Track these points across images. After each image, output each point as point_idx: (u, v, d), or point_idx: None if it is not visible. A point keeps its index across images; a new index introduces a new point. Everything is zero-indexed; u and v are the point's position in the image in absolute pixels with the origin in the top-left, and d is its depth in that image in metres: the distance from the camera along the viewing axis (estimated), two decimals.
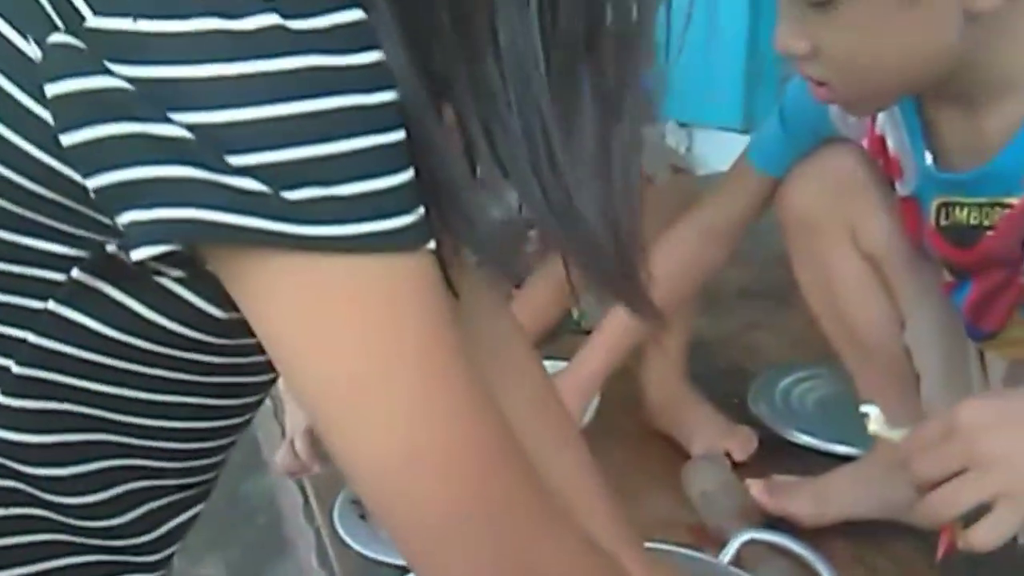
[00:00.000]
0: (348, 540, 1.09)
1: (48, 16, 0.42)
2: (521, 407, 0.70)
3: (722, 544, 0.96)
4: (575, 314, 1.52)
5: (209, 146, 0.41)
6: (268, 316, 0.45)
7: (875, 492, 1.05)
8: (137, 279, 0.48)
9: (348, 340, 0.44)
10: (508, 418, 0.53)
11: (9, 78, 0.44)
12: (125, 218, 0.43)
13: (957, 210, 0.91)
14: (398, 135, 0.44)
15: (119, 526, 0.57)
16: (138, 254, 0.43)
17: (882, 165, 0.98)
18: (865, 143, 0.98)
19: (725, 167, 1.14)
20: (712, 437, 1.26)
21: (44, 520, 0.54)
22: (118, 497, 0.56)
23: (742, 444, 1.25)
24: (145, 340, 0.50)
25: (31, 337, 0.49)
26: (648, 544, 0.86)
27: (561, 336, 1.46)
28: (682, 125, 2.88)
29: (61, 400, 0.51)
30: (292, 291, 0.44)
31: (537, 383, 0.75)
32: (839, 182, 0.99)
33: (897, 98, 0.90)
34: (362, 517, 1.11)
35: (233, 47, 0.40)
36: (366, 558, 1.06)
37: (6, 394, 0.50)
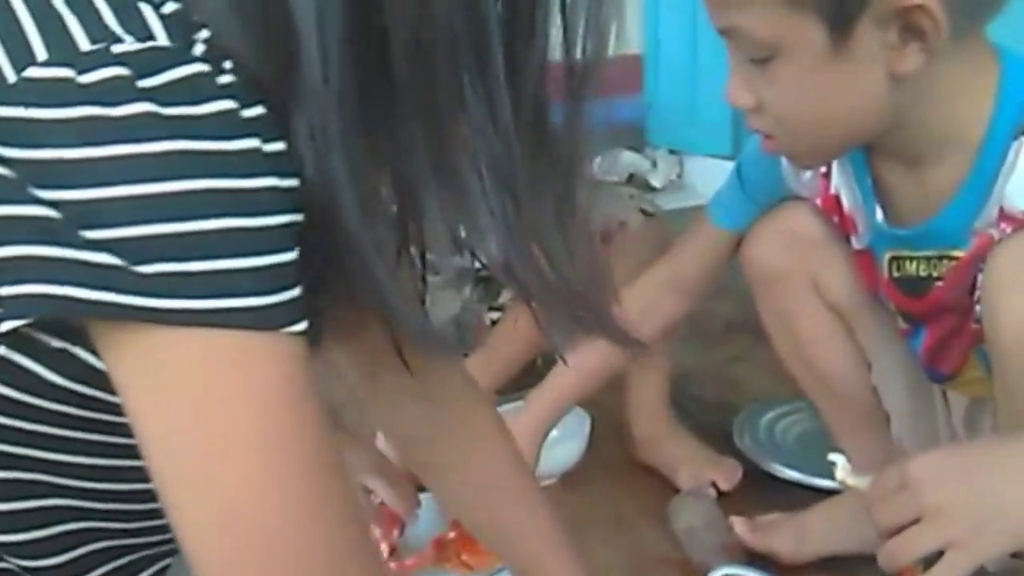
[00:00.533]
0: None
1: None
2: (483, 464, 0.77)
3: None
4: (539, 362, 1.56)
5: (71, 223, 0.44)
6: (119, 381, 0.47)
7: (851, 529, 1.07)
8: (43, 348, 0.50)
9: (184, 409, 0.46)
10: (473, 476, 0.56)
11: None
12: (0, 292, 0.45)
13: (907, 263, 0.95)
14: (271, 219, 0.46)
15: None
16: (5, 326, 0.45)
17: (837, 222, 1.01)
18: (819, 202, 1.02)
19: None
20: (697, 469, 1.29)
21: None
22: (82, 557, 0.58)
23: (727, 475, 1.28)
24: (66, 405, 0.52)
25: None
26: None
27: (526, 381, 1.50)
28: (672, 152, 2.92)
29: (11, 469, 0.54)
30: (139, 358, 0.46)
31: (497, 440, 0.79)
32: (798, 238, 1.03)
33: (838, 153, 0.94)
34: None
35: (104, 131, 0.44)
36: None
37: None
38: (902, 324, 1.02)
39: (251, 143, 0.46)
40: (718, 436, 1.37)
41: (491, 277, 1.42)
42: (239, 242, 0.45)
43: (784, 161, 1.01)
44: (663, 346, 1.30)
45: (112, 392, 0.49)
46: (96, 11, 0.46)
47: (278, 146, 0.47)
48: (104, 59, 0.44)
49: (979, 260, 0.89)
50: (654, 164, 2.90)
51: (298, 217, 0.47)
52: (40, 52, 0.45)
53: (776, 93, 0.86)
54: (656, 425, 1.34)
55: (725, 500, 1.24)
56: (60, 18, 0.45)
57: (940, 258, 0.92)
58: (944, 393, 1.06)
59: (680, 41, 2.66)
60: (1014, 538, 0.72)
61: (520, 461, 0.80)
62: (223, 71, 0.46)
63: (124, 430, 0.50)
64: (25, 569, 0.57)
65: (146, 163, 0.44)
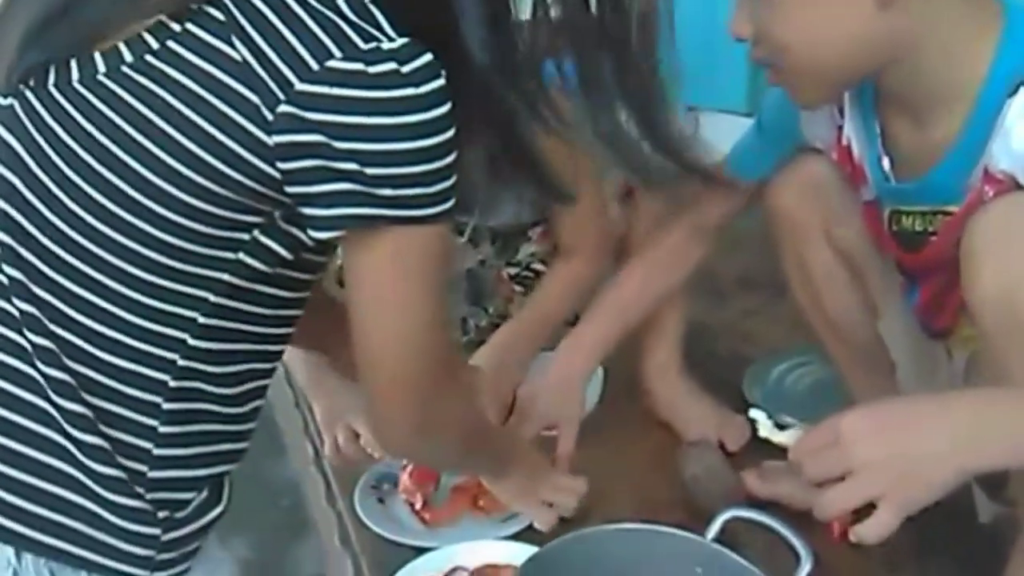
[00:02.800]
0: (368, 522, 1.16)
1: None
2: None
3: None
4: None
5: (361, 165, 0.68)
6: (352, 259, 0.74)
7: None
8: (284, 234, 0.74)
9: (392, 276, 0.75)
10: None
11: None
12: (307, 211, 0.71)
13: (904, 218, 0.97)
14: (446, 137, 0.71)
15: (246, 413, 0.80)
16: (324, 235, 0.71)
17: (849, 172, 1.04)
18: (834, 153, 1.04)
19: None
20: (707, 426, 1.31)
21: (213, 415, 0.77)
22: (251, 391, 0.80)
23: (735, 435, 1.30)
24: (284, 268, 0.76)
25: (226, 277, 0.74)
26: (638, 524, 0.95)
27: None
28: (689, 109, 2.92)
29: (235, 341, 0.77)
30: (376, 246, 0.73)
31: None
32: (813, 187, 1.07)
33: (837, 85, 0.96)
34: (380, 501, 1.20)
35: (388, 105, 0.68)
36: (384, 539, 1.14)
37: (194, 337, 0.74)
38: (900, 279, 1.05)
39: (447, 109, 0.69)
40: (730, 389, 1.39)
41: (510, 233, 1.45)
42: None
43: (801, 111, 1.03)
44: (677, 301, 1.33)
45: (314, 253, 0.76)
46: (347, 15, 0.68)
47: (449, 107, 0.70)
48: (379, 56, 0.67)
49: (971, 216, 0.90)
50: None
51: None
52: (335, 50, 0.66)
53: (772, 18, 0.90)
54: (669, 380, 1.37)
55: (735, 451, 1.27)
56: (336, 24, 0.67)
57: (935, 213, 0.94)
58: (947, 349, 1.08)
59: None
60: (936, 489, 0.75)
61: None
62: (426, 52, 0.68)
63: (298, 284, 0.79)
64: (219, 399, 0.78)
65: (406, 130, 0.68)
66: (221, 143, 0.68)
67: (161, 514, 0.75)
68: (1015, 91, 0.84)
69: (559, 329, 1.37)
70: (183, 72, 0.68)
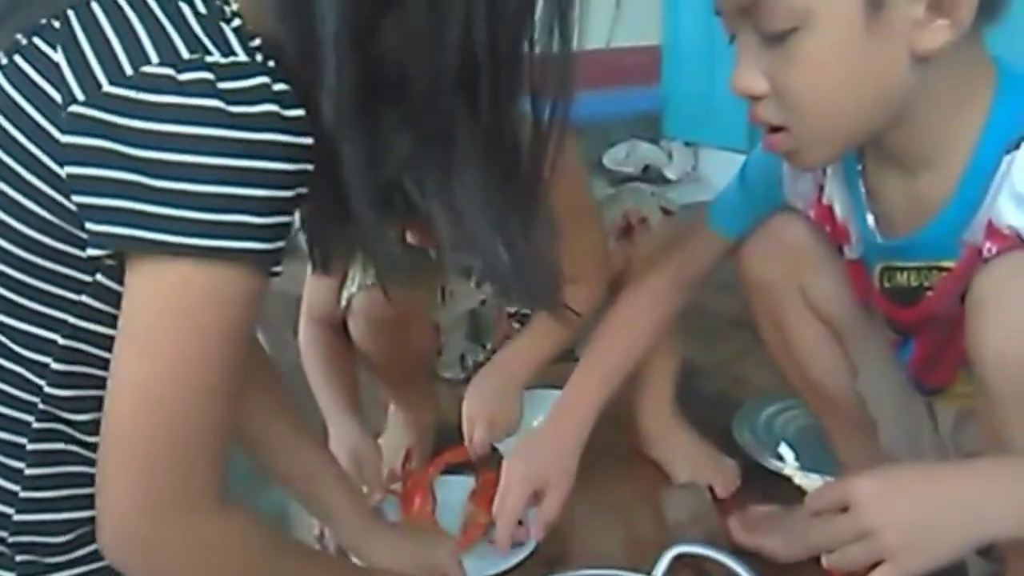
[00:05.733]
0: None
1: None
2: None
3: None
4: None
5: (145, 174, 0.61)
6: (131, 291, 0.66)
7: None
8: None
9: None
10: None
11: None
12: (89, 226, 0.64)
13: (898, 274, 0.96)
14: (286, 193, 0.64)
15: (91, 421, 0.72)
16: (94, 252, 0.65)
17: (829, 232, 1.03)
18: (812, 212, 1.03)
19: None
20: (696, 468, 1.31)
21: (79, 457, 0.72)
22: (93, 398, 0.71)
23: (725, 481, 1.30)
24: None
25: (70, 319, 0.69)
26: (591, 571, 0.97)
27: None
28: (688, 145, 2.93)
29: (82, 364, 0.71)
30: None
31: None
32: (791, 248, 1.05)
33: (846, 147, 0.91)
34: None
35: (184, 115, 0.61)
36: None
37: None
38: (892, 335, 1.04)
39: (283, 138, 0.62)
40: (719, 431, 1.39)
41: None
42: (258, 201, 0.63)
43: (785, 168, 1.02)
44: (672, 342, 1.33)
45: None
46: (190, 27, 0.63)
47: (306, 140, 0.64)
48: (195, 65, 0.62)
49: (969, 271, 0.89)
50: (670, 156, 2.92)
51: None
52: (153, 56, 0.62)
53: (796, 72, 0.82)
54: (661, 420, 1.37)
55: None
56: (167, 33, 0.63)
57: (930, 269, 0.93)
58: (930, 405, 1.08)
59: (699, 33, 2.66)
60: (943, 557, 0.78)
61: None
62: (277, 80, 0.63)
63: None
64: (84, 444, 0.73)
65: (212, 141, 0.61)
66: (26, 149, 0.65)
67: (20, 558, 0.71)
68: (1017, 146, 0.83)
69: (552, 360, 1.38)
70: (15, 86, 0.66)
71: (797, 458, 0.88)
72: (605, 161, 2.89)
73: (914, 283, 0.95)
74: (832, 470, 1.13)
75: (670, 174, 2.86)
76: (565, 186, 1.35)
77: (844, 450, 1.13)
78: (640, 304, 1.16)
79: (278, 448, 0.96)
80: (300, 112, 0.63)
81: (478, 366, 1.42)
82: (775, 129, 0.87)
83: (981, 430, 0.91)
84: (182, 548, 0.67)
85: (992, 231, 0.86)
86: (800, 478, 0.87)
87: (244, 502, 1.25)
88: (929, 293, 0.94)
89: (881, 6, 0.79)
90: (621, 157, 2.90)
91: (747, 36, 0.84)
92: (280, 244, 0.65)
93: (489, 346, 1.50)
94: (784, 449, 0.88)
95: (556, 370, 1.50)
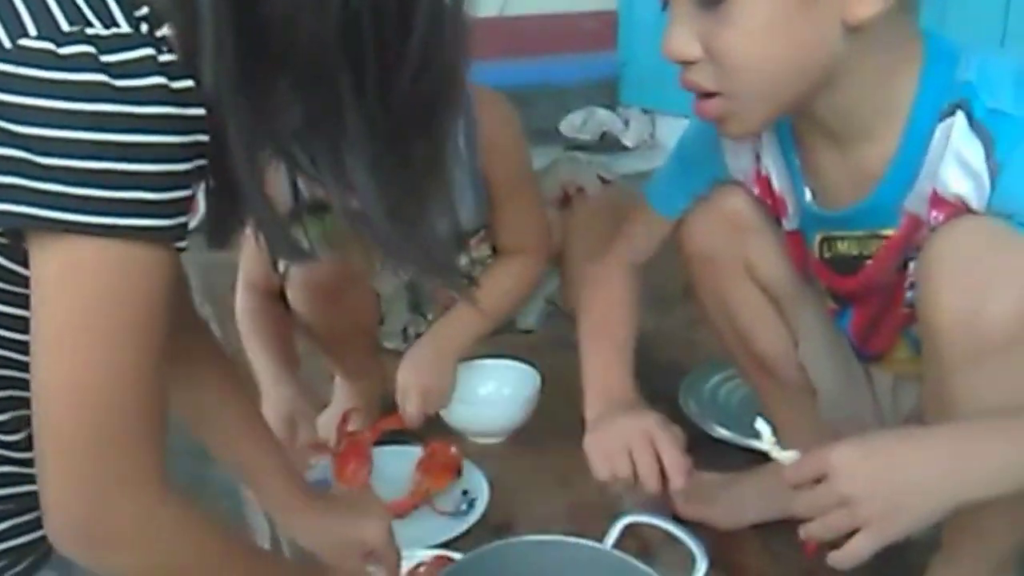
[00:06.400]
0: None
1: None
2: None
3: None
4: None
5: (28, 151, 0.59)
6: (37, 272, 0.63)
7: (781, 497, 1.10)
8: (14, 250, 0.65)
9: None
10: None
11: None
12: None
13: (838, 243, 0.96)
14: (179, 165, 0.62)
15: (18, 441, 0.72)
16: None
17: (769, 205, 1.02)
18: (756, 189, 1.03)
19: None
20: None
21: None
22: (22, 418, 0.69)
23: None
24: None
25: None
26: (536, 536, 0.97)
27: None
28: (645, 112, 2.92)
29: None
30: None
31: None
32: (731, 221, 1.05)
33: (779, 112, 0.90)
34: None
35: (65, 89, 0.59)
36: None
37: None
38: (831, 304, 1.04)
39: (172, 110, 0.61)
40: (669, 399, 1.39)
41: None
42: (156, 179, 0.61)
43: (726, 143, 1.01)
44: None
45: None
46: (103, 5, 0.60)
47: (197, 111, 0.62)
48: (76, 38, 0.59)
49: (908, 240, 0.90)
50: (627, 123, 2.90)
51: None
52: (31, 29, 0.59)
53: (730, 35, 0.82)
54: None
55: None
56: (46, 6, 0.60)
57: (870, 237, 0.93)
58: (867, 371, 1.09)
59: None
60: (916, 523, 0.78)
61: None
62: (163, 51, 0.61)
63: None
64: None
65: (96, 116, 0.59)
66: None
67: None
68: (951, 113, 0.83)
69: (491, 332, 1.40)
70: None
71: (774, 432, 0.87)
72: (562, 128, 2.87)
73: (854, 252, 0.95)
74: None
75: (627, 141, 2.85)
76: (506, 159, 1.37)
77: (781, 422, 1.13)
78: (615, 282, 1.13)
79: (212, 418, 0.94)
80: (189, 83, 0.61)
81: (420, 337, 1.41)
82: (707, 96, 0.86)
83: (924, 396, 0.92)
84: (131, 533, 0.65)
85: (937, 200, 0.86)
86: (776, 452, 0.86)
87: (194, 477, 1.26)
88: (869, 262, 0.94)
89: None
90: (578, 124, 2.89)
91: (680, 1, 0.84)
92: (182, 219, 0.63)
93: (431, 317, 1.49)
94: (761, 424, 0.87)
95: (497, 340, 1.52)
